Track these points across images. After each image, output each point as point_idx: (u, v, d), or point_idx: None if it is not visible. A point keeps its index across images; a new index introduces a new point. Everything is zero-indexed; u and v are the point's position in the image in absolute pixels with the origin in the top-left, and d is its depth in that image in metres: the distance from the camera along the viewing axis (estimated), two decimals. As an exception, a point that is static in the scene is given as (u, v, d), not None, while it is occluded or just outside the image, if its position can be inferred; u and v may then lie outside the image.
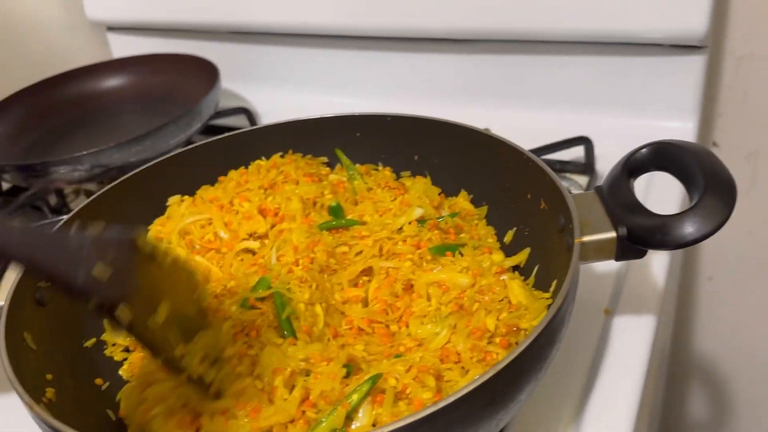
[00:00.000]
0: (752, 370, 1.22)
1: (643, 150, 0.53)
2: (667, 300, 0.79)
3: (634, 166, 0.53)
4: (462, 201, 0.68)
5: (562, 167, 0.88)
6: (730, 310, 1.21)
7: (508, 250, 0.62)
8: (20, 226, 0.39)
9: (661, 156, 0.52)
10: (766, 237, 1.11)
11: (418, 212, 0.63)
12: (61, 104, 1.10)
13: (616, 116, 0.93)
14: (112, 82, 1.13)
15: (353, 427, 0.45)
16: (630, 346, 0.61)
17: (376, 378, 0.46)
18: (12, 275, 0.56)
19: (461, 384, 0.46)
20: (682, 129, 0.90)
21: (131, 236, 0.44)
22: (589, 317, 0.64)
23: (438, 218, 0.63)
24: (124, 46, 1.24)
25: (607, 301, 0.67)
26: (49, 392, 0.50)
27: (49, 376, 0.51)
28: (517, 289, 0.54)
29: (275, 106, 1.13)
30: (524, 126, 0.94)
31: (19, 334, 0.52)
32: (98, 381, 0.57)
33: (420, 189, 0.67)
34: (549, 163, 0.87)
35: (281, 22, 1.06)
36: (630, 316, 0.64)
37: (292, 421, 0.46)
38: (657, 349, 0.76)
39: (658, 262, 0.70)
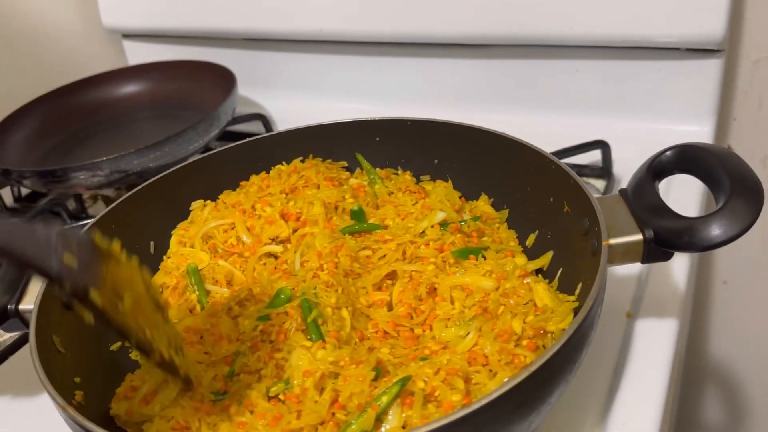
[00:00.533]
0: (767, 374, 1.22)
1: (668, 152, 0.53)
2: (686, 303, 0.79)
3: (658, 168, 0.53)
4: (483, 204, 0.68)
5: (579, 171, 0.87)
6: (745, 313, 1.20)
7: (531, 254, 0.62)
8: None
9: (686, 159, 0.52)
10: (781, 240, 1.11)
11: (440, 216, 0.63)
12: (78, 111, 1.10)
13: (633, 120, 0.93)
14: (129, 88, 1.14)
15: (383, 429, 0.45)
16: (653, 350, 0.61)
17: (405, 380, 0.46)
18: (39, 281, 0.57)
19: (490, 387, 0.46)
20: (698, 132, 0.90)
21: (89, 234, 0.47)
22: (612, 321, 0.64)
23: (460, 222, 0.63)
24: (139, 54, 1.25)
25: (629, 305, 0.67)
26: (78, 395, 0.50)
27: (77, 379, 0.52)
28: (542, 292, 0.54)
29: (290, 112, 1.13)
30: (540, 130, 0.94)
31: (48, 338, 0.52)
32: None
33: (441, 193, 0.67)
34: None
35: (296, 29, 1.07)
36: (652, 319, 0.64)
37: (322, 423, 0.47)
38: (679, 353, 0.76)
39: (678, 266, 0.70)
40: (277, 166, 0.73)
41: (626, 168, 0.87)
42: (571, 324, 0.41)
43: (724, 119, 1.04)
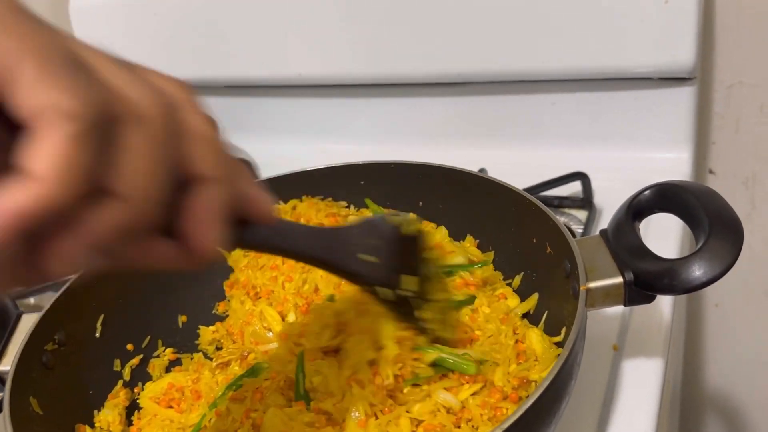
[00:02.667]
0: (766, 397, 1.21)
1: (647, 192, 0.53)
2: (674, 333, 0.79)
3: (638, 208, 0.53)
4: (469, 246, 0.68)
5: (561, 202, 0.88)
6: (738, 335, 1.20)
7: (517, 295, 0.61)
8: (312, 229, 0.48)
9: (665, 197, 0.52)
10: (770, 261, 1.12)
11: (460, 260, 0.63)
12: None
13: (611, 149, 0.94)
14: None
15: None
16: (640, 383, 0.60)
17: None
18: (19, 339, 0.56)
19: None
20: (677, 159, 0.91)
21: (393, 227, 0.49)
22: (599, 354, 0.64)
23: (475, 265, 0.63)
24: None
25: (616, 338, 0.67)
26: None
27: None
28: (535, 339, 0.54)
29: (275, 156, 1.13)
30: (521, 163, 0.95)
31: (25, 399, 0.52)
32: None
33: (444, 236, 0.67)
34: (547, 199, 0.89)
35: (275, 75, 1.08)
36: (638, 352, 0.64)
37: None
38: (668, 383, 0.75)
39: (664, 298, 0.70)
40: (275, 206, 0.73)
41: (607, 198, 0.88)
42: (545, 377, 0.40)
43: (703, 143, 1.05)
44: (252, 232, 0.39)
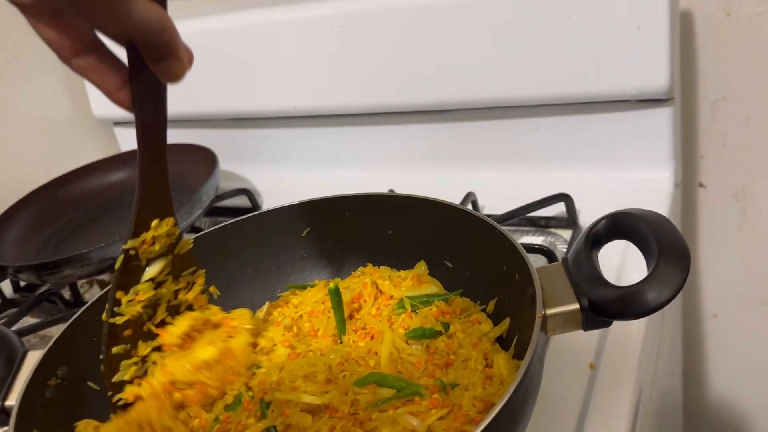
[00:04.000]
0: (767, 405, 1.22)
1: (602, 221, 0.55)
2: (657, 349, 0.81)
3: (595, 237, 0.55)
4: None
5: (547, 223, 0.91)
6: (737, 345, 1.21)
7: (492, 320, 0.64)
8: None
9: (619, 226, 0.55)
10: (764, 271, 1.13)
11: (434, 290, 0.66)
12: (69, 201, 1.16)
13: (595, 170, 0.96)
14: (118, 175, 1.19)
15: None
16: (611, 403, 0.63)
17: None
18: (25, 375, 0.60)
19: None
20: (659, 178, 0.93)
21: None
22: (576, 373, 0.67)
23: (449, 295, 0.66)
24: (131, 139, 1.31)
25: (593, 357, 0.69)
26: None
27: None
28: (502, 363, 0.56)
29: (273, 184, 1.18)
30: (507, 186, 0.98)
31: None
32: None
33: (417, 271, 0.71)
34: (534, 219, 0.92)
35: (273, 108, 1.12)
36: (612, 372, 0.66)
37: None
38: (651, 399, 0.77)
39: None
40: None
41: (591, 217, 0.88)
42: (498, 401, 0.43)
43: (692, 158, 1.08)
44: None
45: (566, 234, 0.88)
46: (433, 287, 0.67)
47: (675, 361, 1.12)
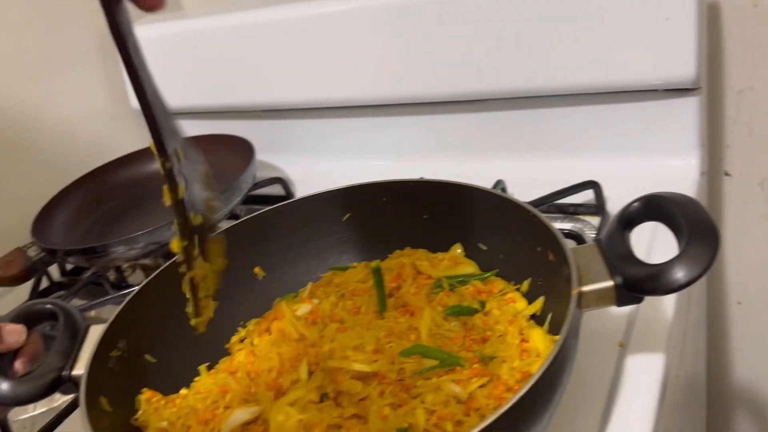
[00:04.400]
0: (792, 391, 1.24)
1: (635, 204, 0.58)
2: (683, 331, 0.84)
3: (628, 218, 0.58)
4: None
5: (576, 210, 0.94)
6: (762, 332, 1.23)
7: (526, 299, 0.68)
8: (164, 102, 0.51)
9: (651, 208, 0.58)
10: (788, 258, 1.14)
11: (471, 270, 0.70)
12: (113, 189, 1.20)
13: (622, 159, 0.99)
14: (156, 165, 1.23)
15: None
16: (641, 381, 0.65)
17: (403, 431, 0.52)
18: (89, 347, 0.64)
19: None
20: (685, 166, 0.95)
21: None
22: (605, 350, 0.69)
23: (485, 275, 0.69)
24: (166, 129, 1.35)
25: (622, 335, 0.72)
26: None
27: None
28: (538, 338, 0.60)
29: (307, 174, 1.22)
30: (536, 174, 1.01)
31: (96, 399, 0.60)
32: None
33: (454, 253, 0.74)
34: (563, 206, 0.94)
35: (307, 99, 1.16)
36: (641, 350, 0.69)
37: None
38: (678, 378, 0.80)
39: (670, 296, 0.75)
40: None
41: (619, 204, 0.89)
42: (538, 369, 0.46)
43: (717, 147, 1.09)
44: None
45: (594, 220, 0.91)
46: (469, 267, 0.70)
47: (700, 347, 1.15)
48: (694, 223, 0.54)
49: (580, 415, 0.62)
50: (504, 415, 0.45)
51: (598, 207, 0.91)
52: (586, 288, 0.55)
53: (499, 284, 0.69)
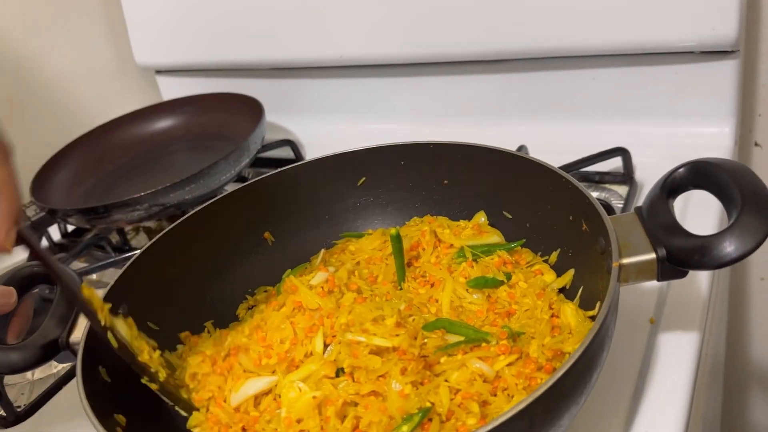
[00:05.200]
0: (812, 370, 1.20)
1: (681, 169, 0.54)
2: (713, 308, 0.80)
3: (672, 185, 0.54)
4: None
5: (602, 178, 0.89)
6: (785, 310, 1.19)
7: (554, 271, 0.63)
8: None
9: (699, 175, 0.53)
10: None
11: (496, 239, 0.66)
12: (116, 148, 1.16)
13: (652, 125, 0.94)
14: (163, 123, 1.19)
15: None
16: (676, 357, 0.62)
17: (426, 411, 0.48)
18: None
19: (505, 410, 0.48)
20: (719, 134, 0.90)
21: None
22: (635, 327, 0.66)
23: (511, 245, 0.65)
24: (172, 88, 1.30)
25: (653, 311, 0.68)
26: (121, 420, 0.53)
27: (120, 411, 0.55)
28: (569, 313, 0.55)
29: (317, 136, 1.17)
30: (560, 140, 0.96)
31: (95, 369, 0.56)
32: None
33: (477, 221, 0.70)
34: (588, 175, 0.90)
35: (319, 56, 1.10)
36: (675, 325, 0.65)
37: None
38: (706, 357, 0.76)
39: (702, 272, 0.71)
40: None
41: (648, 173, 0.88)
42: (577, 348, 0.43)
43: (749, 116, 1.04)
44: None
45: (621, 190, 0.86)
46: (494, 237, 0.66)
47: (722, 324, 1.11)
48: (748, 193, 0.49)
49: (610, 396, 0.59)
50: (541, 398, 0.41)
51: (626, 176, 0.87)
52: (625, 261, 0.51)
53: (526, 255, 0.65)
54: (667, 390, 0.59)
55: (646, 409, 0.58)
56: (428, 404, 0.48)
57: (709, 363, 0.82)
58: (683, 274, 0.51)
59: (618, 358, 0.62)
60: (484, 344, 0.53)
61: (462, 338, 0.52)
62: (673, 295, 0.69)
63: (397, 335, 0.52)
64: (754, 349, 1.25)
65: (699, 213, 0.77)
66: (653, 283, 0.70)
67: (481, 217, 0.70)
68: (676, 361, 0.62)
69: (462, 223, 0.70)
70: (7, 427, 0.72)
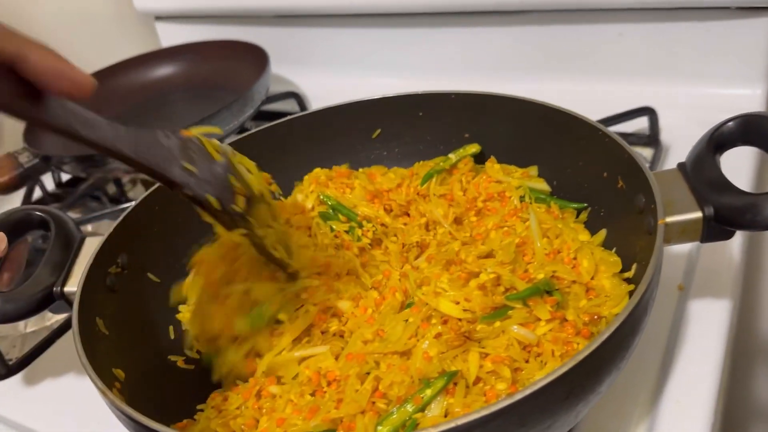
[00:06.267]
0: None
1: (730, 123, 0.50)
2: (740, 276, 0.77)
3: (720, 140, 0.50)
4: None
5: (625, 140, 0.85)
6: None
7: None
8: (125, 127, 0.45)
9: (751, 130, 0.49)
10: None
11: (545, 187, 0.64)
12: (113, 96, 1.10)
13: (680, 85, 0.89)
14: (163, 71, 1.13)
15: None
16: (706, 326, 0.59)
17: (452, 375, 0.45)
18: (84, 261, 0.57)
19: (537, 377, 0.45)
20: (750, 96, 0.86)
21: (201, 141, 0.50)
22: (663, 294, 0.62)
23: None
24: (172, 35, 1.24)
25: (681, 277, 0.65)
26: (120, 374, 0.50)
27: (119, 361, 0.52)
28: (603, 276, 0.52)
29: (324, 89, 1.12)
30: (583, 98, 0.90)
31: (91, 320, 0.53)
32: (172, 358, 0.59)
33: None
34: (610, 136, 0.85)
35: (327, 4, 1.04)
36: (705, 293, 0.62)
37: (362, 412, 0.46)
38: (733, 329, 0.73)
39: (734, 239, 0.67)
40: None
41: (675, 135, 0.84)
42: (622, 310, 0.39)
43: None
44: (50, 109, 0.39)
45: (646, 152, 0.82)
46: (544, 185, 0.62)
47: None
48: (807, 150, 0.45)
49: (639, 365, 0.56)
50: (583, 362, 0.37)
51: (651, 137, 0.82)
52: (670, 219, 0.47)
53: (556, 212, 0.61)
54: (697, 361, 0.56)
55: (676, 379, 0.55)
56: (454, 369, 0.45)
57: (733, 335, 0.80)
58: (729, 235, 0.48)
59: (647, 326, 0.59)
60: (526, 310, 0.49)
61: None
62: (704, 261, 0.66)
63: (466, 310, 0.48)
64: (765, 325, 1.23)
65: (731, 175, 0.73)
66: (682, 249, 0.68)
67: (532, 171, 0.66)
68: (706, 331, 0.59)
69: (513, 167, 0.66)
70: (-2, 380, 0.69)
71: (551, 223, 0.56)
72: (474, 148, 0.69)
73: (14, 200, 1.02)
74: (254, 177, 0.53)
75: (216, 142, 0.51)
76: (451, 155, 0.69)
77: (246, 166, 0.53)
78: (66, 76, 0.38)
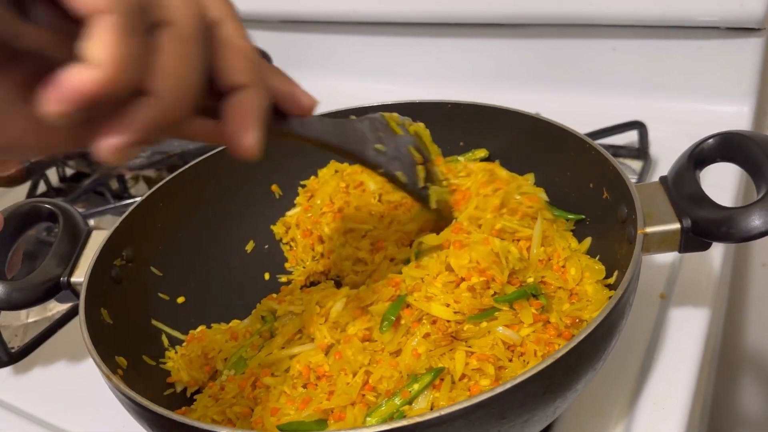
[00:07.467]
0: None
1: (710, 140, 0.52)
2: (722, 287, 0.79)
3: (700, 156, 0.52)
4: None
5: (615, 152, 0.87)
6: (785, 297, 1.19)
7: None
8: (329, 120, 0.49)
9: (729, 146, 0.52)
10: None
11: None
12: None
13: (670, 100, 0.92)
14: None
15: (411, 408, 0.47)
16: (685, 332, 0.61)
17: (438, 371, 0.47)
18: (90, 254, 0.59)
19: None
20: (737, 113, 0.89)
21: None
22: (645, 301, 0.65)
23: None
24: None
25: (663, 286, 0.67)
26: (122, 362, 0.53)
27: (123, 350, 0.54)
28: (587, 281, 0.54)
29: (325, 94, 1.12)
30: (575, 110, 0.93)
31: (96, 310, 0.55)
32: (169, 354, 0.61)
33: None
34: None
35: (331, 10, 1.07)
36: (686, 301, 0.64)
37: (352, 404, 0.48)
38: (712, 336, 0.76)
39: (715, 249, 0.70)
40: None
41: (663, 149, 0.87)
42: (599, 313, 0.42)
43: (765, 97, 1.02)
44: (284, 123, 0.43)
45: (635, 165, 0.84)
46: (542, 193, 0.64)
47: (722, 306, 1.10)
48: (779, 167, 0.48)
49: (619, 369, 0.58)
50: (560, 360, 0.40)
51: (640, 150, 0.85)
52: (649, 230, 0.49)
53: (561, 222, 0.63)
54: (675, 365, 0.59)
55: (654, 383, 0.58)
56: (440, 366, 0.47)
57: (712, 344, 0.82)
58: (706, 246, 0.50)
59: (627, 331, 0.61)
60: (511, 313, 0.51)
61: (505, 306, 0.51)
62: (685, 271, 0.68)
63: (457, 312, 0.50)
64: (750, 335, 1.25)
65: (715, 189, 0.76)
66: (665, 258, 0.70)
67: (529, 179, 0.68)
68: (685, 337, 0.61)
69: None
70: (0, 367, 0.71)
71: (549, 232, 0.58)
72: (482, 153, 0.71)
73: (19, 194, 1.04)
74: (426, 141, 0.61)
75: (396, 115, 0.58)
76: (460, 158, 0.71)
77: (420, 133, 0.60)
78: (296, 98, 0.42)
